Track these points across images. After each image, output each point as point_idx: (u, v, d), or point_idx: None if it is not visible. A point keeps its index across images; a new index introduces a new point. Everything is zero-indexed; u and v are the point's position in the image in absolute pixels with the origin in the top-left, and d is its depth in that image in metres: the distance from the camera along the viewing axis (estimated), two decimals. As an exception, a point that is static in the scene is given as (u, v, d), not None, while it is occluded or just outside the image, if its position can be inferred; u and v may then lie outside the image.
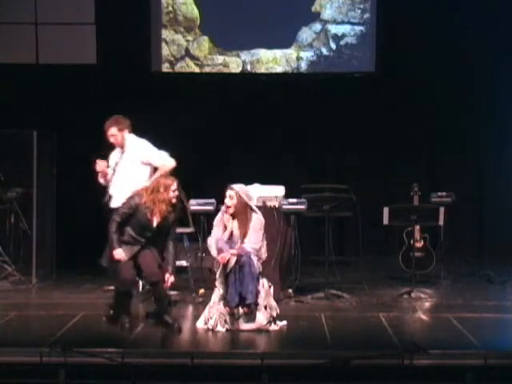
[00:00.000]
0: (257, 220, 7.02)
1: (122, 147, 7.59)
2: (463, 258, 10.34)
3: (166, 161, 7.63)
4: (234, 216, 7.03)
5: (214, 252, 6.99)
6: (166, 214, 6.89)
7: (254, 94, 10.81)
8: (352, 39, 10.93)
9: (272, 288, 7.21)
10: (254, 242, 6.97)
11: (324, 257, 8.40)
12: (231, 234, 7.02)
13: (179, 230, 8.66)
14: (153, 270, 6.86)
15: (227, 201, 7.02)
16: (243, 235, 6.97)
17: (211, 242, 7.05)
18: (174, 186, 6.94)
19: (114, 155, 7.72)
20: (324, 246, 8.39)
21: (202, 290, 8.18)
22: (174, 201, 6.94)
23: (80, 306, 7.55)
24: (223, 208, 7.13)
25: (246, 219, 7.00)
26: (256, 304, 6.88)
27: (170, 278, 6.86)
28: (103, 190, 7.80)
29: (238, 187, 7.11)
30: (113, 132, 7.30)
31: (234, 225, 7.04)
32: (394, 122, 10.83)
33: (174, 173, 7.59)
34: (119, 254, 6.78)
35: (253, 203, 7.16)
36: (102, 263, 7.16)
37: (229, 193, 7.04)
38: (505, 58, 10.61)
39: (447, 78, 10.69)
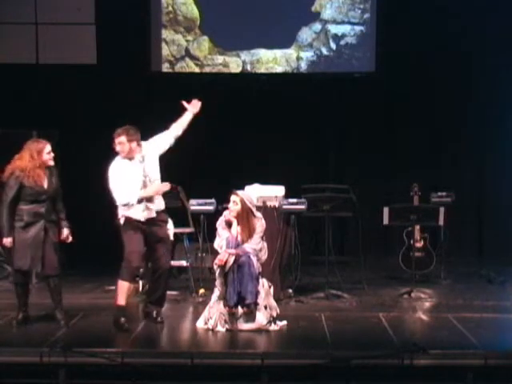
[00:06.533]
0: (260, 227, 7.06)
1: (130, 157, 7.05)
2: (463, 258, 10.36)
3: None
4: (236, 220, 7.04)
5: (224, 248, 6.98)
6: (48, 178, 6.97)
7: (254, 94, 10.81)
8: (352, 39, 10.93)
9: (272, 288, 7.21)
10: (254, 242, 6.99)
11: (324, 257, 8.40)
12: (235, 237, 7.03)
13: (179, 230, 8.69)
14: (53, 265, 6.93)
15: (231, 206, 7.04)
16: (246, 240, 6.98)
17: (222, 242, 7.03)
18: (47, 148, 7.01)
19: (133, 169, 7.05)
20: (324, 246, 8.40)
21: (202, 290, 8.19)
22: (50, 163, 7.03)
23: (80, 306, 7.55)
24: (225, 212, 7.14)
25: (249, 224, 7.02)
26: (256, 304, 6.88)
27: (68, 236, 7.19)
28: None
29: (243, 193, 7.14)
30: (121, 140, 6.96)
31: (237, 229, 7.05)
32: (393, 122, 10.83)
33: (175, 173, 7.60)
34: (8, 242, 6.87)
35: (255, 209, 7.16)
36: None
37: (233, 198, 7.05)
38: (505, 57, 10.60)
39: (447, 78, 10.69)
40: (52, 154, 7.05)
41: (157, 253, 7.09)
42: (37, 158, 6.94)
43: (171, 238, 7.59)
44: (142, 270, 7.86)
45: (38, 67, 10.80)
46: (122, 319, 6.90)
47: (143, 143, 7.16)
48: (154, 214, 7.03)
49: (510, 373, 5.95)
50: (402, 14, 10.57)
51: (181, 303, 8.03)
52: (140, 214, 6.98)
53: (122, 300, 6.97)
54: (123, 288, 6.98)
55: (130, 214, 6.97)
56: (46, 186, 6.97)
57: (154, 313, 7.15)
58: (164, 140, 7.28)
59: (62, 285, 7.15)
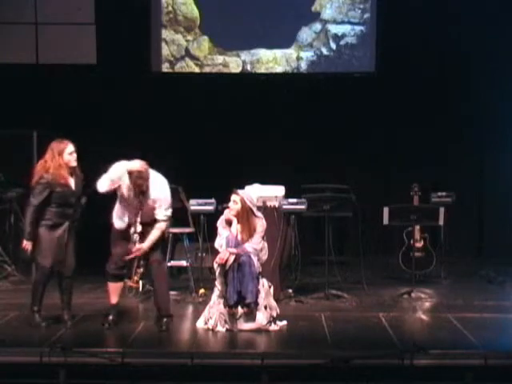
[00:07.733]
0: (261, 227, 7.07)
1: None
2: (463, 258, 10.36)
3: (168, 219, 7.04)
4: (236, 219, 7.05)
5: (224, 247, 6.98)
6: (74, 179, 6.92)
7: (254, 94, 10.81)
8: (352, 39, 10.93)
9: (272, 288, 7.21)
10: (255, 242, 6.99)
11: (324, 257, 8.40)
12: (235, 237, 7.04)
13: (179, 230, 8.69)
14: (71, 266, 7.01)
15: (231, 205, 7.05)
16: (246, 239, 6.99)
17: (222, 241, 7.03)
18: (69, 148, 6.92)
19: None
20: (324, 246, 8.39)
21: (202, 290, 8.19)
22: (72, 164, 6.93)
23: (80, 306, 7.55)
24: (226, 211, 7.15)
25: (249, 224, 7.03)
26: (256, 304, 6.88)
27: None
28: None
29: (243, 192, 7.15)
30: (145, 176, 6.74)
31: (236, 228, 7.06)
32: (393, 122, 10.82)
33: (175, 173, 7.60)
34: (28, 245, 6.84)
35: (256, 209, 7.16)
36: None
37: (233, 197, 7.05)
38: (505, 58, 10.61)
39: (447, 78, 10.69)
40: (75, 155, 6.94)
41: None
42: (58, 158, 6.86)
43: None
44: (141, 270, 7.84)
45: (37, 67, 10.79)
46: (110, 317, 7.00)
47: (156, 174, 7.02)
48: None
49: (510, 373, 5.94)
50: (401, 14, 10.57)
51: (181, 303, 8.02)
52: (120, 225, 7.00)
53: (110, 299, 7.11)
54: (109, 288, 7.12)
55: (114, 221, 7.02)
56: (73, 187, 6.93)
57: (164, 320, 6.98)
58: (158, 214, 7.00)
59: (74, 286, 7.16)
